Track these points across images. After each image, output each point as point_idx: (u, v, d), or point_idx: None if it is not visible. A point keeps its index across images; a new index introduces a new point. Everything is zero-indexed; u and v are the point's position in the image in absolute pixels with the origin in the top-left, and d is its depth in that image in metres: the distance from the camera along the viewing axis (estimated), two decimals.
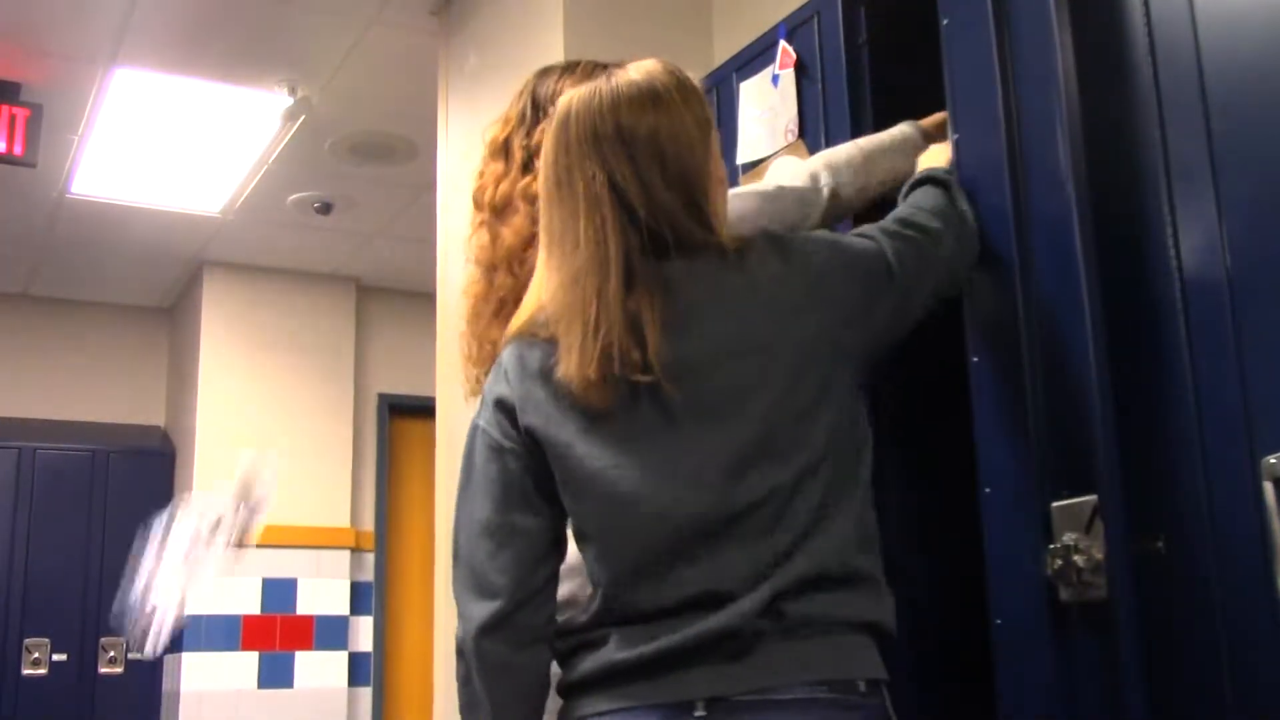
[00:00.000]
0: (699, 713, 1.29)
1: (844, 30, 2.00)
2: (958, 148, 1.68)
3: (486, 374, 1.53)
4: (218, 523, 2.60)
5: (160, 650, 2.67)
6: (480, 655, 1.41)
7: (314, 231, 5.69)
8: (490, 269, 1.69)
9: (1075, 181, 1.49)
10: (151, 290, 6.42)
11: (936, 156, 1.74)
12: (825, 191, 1.70)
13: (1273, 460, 1.29)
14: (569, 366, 1.36)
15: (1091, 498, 1.42)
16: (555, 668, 1.44)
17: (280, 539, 5.84)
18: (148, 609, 2.56)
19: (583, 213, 1.40)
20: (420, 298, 5.03)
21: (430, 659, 3.71)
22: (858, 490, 1.40)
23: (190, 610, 5.56)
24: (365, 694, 6.04)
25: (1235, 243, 1.36)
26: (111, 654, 5.82)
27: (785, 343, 1.39)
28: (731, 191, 1.55)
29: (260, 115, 4.58)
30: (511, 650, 1.40)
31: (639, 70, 1.46)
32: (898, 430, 1.83)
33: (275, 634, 5.83)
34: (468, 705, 1.43)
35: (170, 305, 6.62)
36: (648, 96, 1.43)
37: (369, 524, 6.20)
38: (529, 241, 1.62)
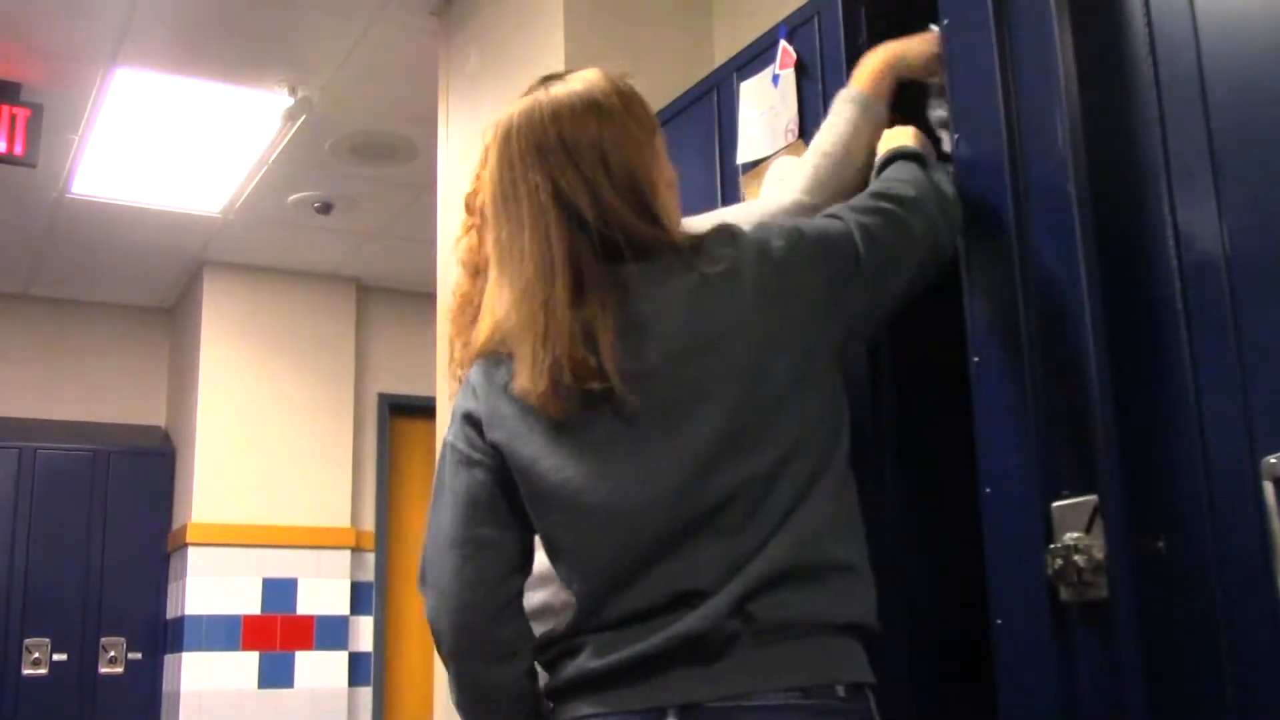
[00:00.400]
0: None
1: (844, 30, 2.00)
2: (958, 148, 1.68)
3: None
4: None
5: None
6: (453, 672, 1.42)
7: (314, 231, 5.69)
8: (475, 272, 1.69)
9: (1075, 181, 1.49)
10: (152, 290, 6.41)
11: (900, 136, 1.69)
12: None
13: (1273, 460, 1.28)
14: (523, 379, 1.36)
15: (1092, 497, 1.42)
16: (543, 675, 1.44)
17: (280, 539, 5.86)
18: None
19: (528, 224, 1.39)
20: (420, 298, 5.04)
21: (430, 659, 3.70)
22: (836, 478, 1.39)
23: (191, 610, 5.60)
24: (365, 694, 6.04)
25: (1235, 242, 1.36)
26: (111, 654, 5.82)
27: (746, 338, 1.37)
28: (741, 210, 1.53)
29: (260, 115, 4.58)
30: (484, 665, 1.40)
31: (579, 80, 1.46)
32: (898, 430, 1.83)
33: (275, 634, 5.82)
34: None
35: (170, 305, 6.62)
36: (589, 106, 1.42)
37: (369, 524, 6.20)
38: None
